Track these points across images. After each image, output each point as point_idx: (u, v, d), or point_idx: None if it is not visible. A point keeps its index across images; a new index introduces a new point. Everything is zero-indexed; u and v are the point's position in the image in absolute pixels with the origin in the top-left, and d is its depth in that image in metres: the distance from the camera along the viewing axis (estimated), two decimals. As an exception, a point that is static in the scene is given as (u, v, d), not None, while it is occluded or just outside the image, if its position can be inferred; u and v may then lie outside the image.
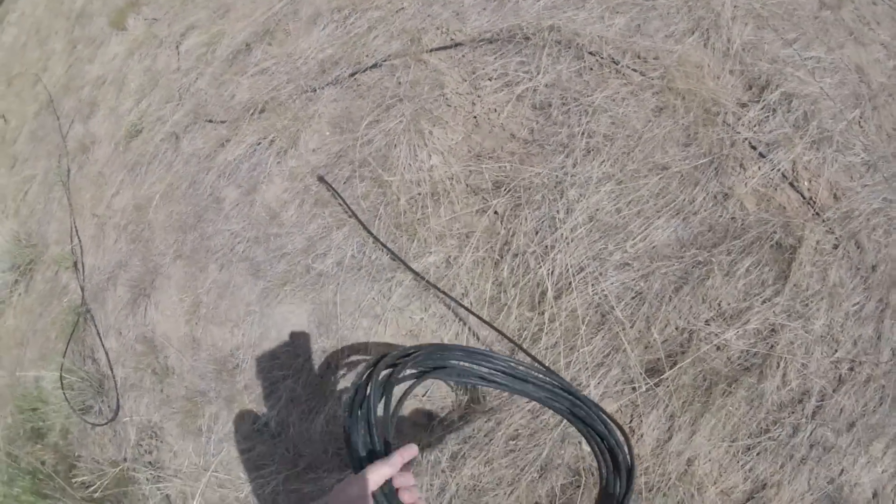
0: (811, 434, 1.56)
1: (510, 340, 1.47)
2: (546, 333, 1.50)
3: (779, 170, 1.76)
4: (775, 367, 1.54)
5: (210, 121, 2.51)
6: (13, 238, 2.76)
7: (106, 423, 2.18)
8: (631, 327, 1.49)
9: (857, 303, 1.69)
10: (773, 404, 1.54)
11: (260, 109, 2.34)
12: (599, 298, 1.53)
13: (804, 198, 1.79)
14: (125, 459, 2.13)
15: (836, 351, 1.63)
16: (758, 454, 1.50)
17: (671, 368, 1.45)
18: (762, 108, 1.86)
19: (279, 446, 1.76)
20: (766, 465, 1.50)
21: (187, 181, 2.42)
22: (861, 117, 2.05)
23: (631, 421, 1.47)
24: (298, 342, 1.84)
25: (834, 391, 1.59)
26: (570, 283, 1.54)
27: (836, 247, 1.69)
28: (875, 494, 1.67)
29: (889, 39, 2.46)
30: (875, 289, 1.69)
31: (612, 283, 1.53)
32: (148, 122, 2.67)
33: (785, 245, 1.64)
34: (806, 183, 1.82)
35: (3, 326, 2.97)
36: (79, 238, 2.69)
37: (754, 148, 1.79)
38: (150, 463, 2.06)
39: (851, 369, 1.62)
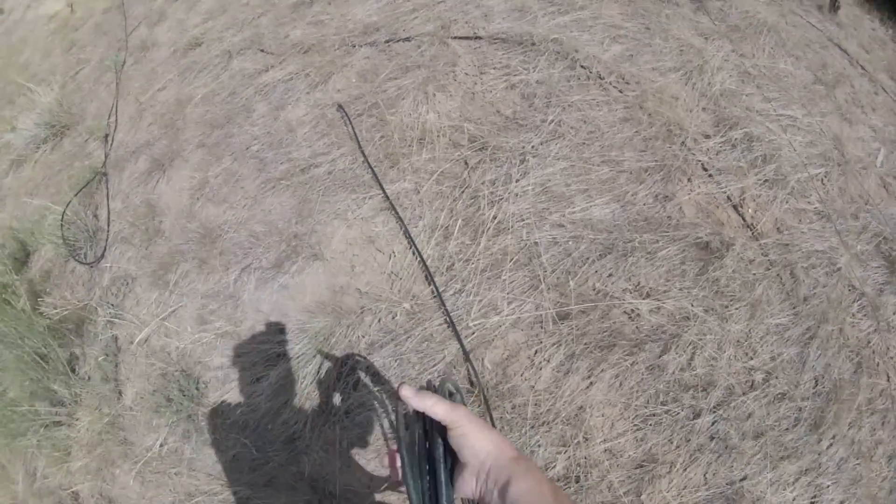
0: (712, 424, 1.76)
1: (427, 272, 1.84)
2: (477, 258, 1.87)
3: (725, 193, 2.09)
4: (683, 348, 1.78)
5: (262, 50, 2.99)
6: (55, 101, 3.18)
7: (89, 263, 2.52)
8: (552, 273, 1.85)
9: (782, 324, 1.93)
10: (676, 382, 1.76)
11: (305, 50, 2.81)
12: (530, 245, 1.90)
13: (745, 221, 2.08)
14: (92, 301, 2.44)
15: (752, 359, 1.87)
16: (651, 426, 1.71)
17: (581, 316, 1.78)
18: (723, 142, 2.22)
19: (228, 306, 2.10)
20: (659, 440, 1.71)
21: (228, 90, 2.86)
22: (826, 176, 2.37)
23: (535, 354, 1.78)
24: (276, 227, 2.21)
25: (744, 393, 1.80)
26: (509, 227, 1.92)
27: (768, 269, 1.97)
28: None
29: (881, 125, 2.83)
30: (804, 318, 1.95)
31: (544, 236, 1.91)
32: (208, 39, 3.15)
33: (713, 247, 1.94)
34: (750, 210, 2.12)
35: (18, 177, 3.35)
36: (116, 116, 3.12)
37: (706, 170, 2.16)
38: (112, 305, 2.37)
39: (766, 380, 1.85)
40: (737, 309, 1.90)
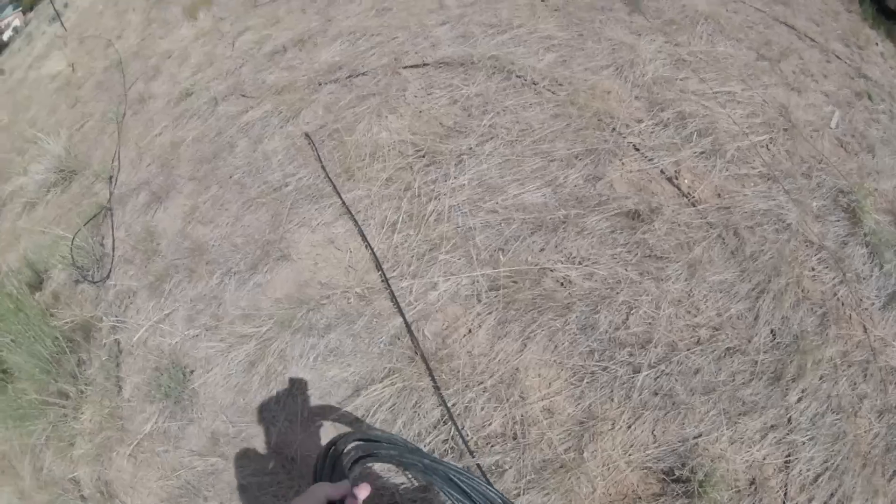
0: (655, 380, 1.86)
1: (376, 260, 2.19)
2: (418, 243, 2.21)
3: (658, 168, 2.33)
4: (617, 308, 1.95)
5: (243, 95, 3.47)
6: (63, 149, 3.67)
7: (96, 282, 2.91)
8: (484, 251, 2.17)
9: (727, 281, 2.08)
10: (611, 340, 1.90)
11: (279, 91, 3.28)
12: (465, 230, 2.24)
13: (680, 191, 2.29)
14: (98, 312, 2.81)
15: (696, 316, 2.00)
16: (588, 383, 1.88)
17: (512, 285, 2.06)
18: (655, 123, 2.49)
19: (212, 305, 2.44)
20: (598, 397, 1.84)
21: (215, 131, 3.32)
22: (770, 142, 2.57)
23: (470, 322, 2.08)
24: (253, 238, 2.58)
25: (688, 349, 1.92)
26: (446, 217, 2.27)
27: (708, 231, 2.14)
28: (753, 482, 1.82)
29: (834, 90, 3.04)
30: (753, 273, 2.09)
31: (478, 221, 2.24)
32: (197, 89, 3.65)
33: (643, 215, 2.17)
34: (686, 181, 2.34)
35: (31, 217, 3.80)
36: (119, 160, 3.59)
37: (637, 150, 2.41)
38: (116, 315, 2.73)
39: (713, 336, 1.97)
40: (673, 270, 2.09)
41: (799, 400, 1.97)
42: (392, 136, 2.66)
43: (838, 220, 2.51)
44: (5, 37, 11.22)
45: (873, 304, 2.35)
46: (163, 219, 3.03)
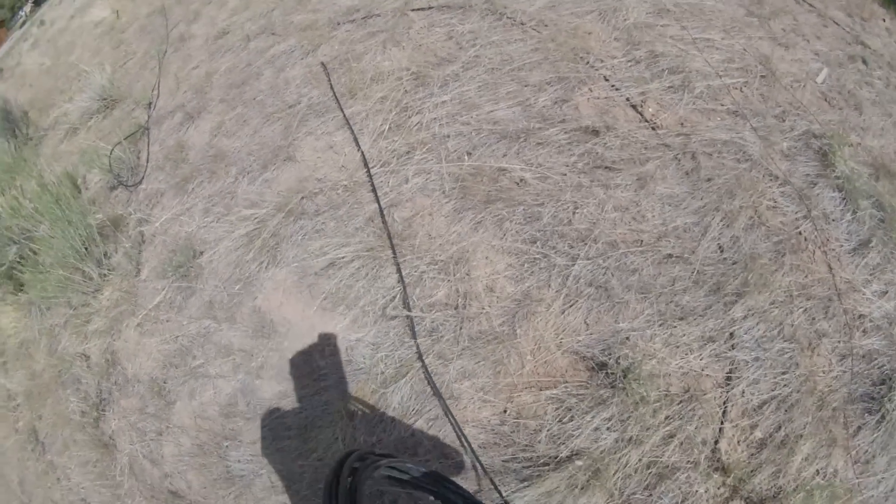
0: (592, 271, 2.13)
1: (363, 158, 2.61)
2: (399, 146, 2.63)
3: (624, 96, 2.64)
4: (564, 205, 2.26)
5: (273, 33, 3.96)
6: (108, 80, 4.25)
7: (130, 186, 3.45)
8: (453, 152, 2.57)
9: (677, 196, 2.33)
10: (555, 233, 2.25)
11: (303, 29, 3.74)
12: (440, 137, 2.64)
13: (643, 117, 2.57)
14: (129, 209, 3.34)
15: (641, 223, 2.25)
16: (528, 267, 2.23)
17: (472, 180, 2.46)
18: (628, 60, 2.80)
19: (226, 199, 2.93)
20: (536, 282, 2.17)
21: (245, 63, 3.83)
22: (745, 85, 2.75)
23: (433, 210, 2.48)
24: (267, 145, 3.05)
25: (628, 249, 2.18)
26: (425, 126, 2.67)
27: (664, 152, 2.41)
28: (688, 391, 1.93)
29: (826, 50, 3.13)
30: (705, 193, 2.33)
31: (452, 130, 2.64)
32: (233, 29, 4.18)
33: (598, 130, 2.51)
34: (650, 109, 2.61)
35: (72, 142, 4.37)
36: (159, 89, 4.14)
37: (607, 80, 2.74)
38: (143, 212, 3.26)
39: (655, 242, 2.21)
40: (622, 179, 2.37)
41: (745, 318, 2.10)
42: (393, 64, 3.08)
43: (808, 161, 2.62)
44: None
45: (842, 246, 2.45)
46: (193, 135, 3.56)
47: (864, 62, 3.34)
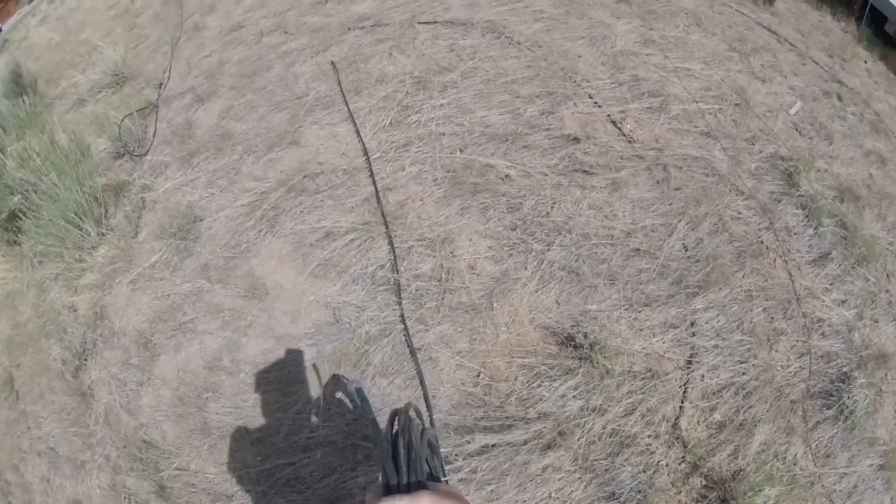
0: (565, 257, 2.38)
1: (363, 146, 2.89)
2: (398, 139, 2.91)
3: (606, 113, 3.02)
4: (544, 200, 2.56)
5: (285, 32, 4.26)
6: (121, 57, 4.46)
7: (135, 156, 3.65)
8: (446, 147, 2.86)
9: (647, 200, 2.62)
10: (535, 223, 2.53)
11: (315, 30, 4.05)
12: (436, 134, 2.93)
13: (621, 132, 2.93)
14: (133, 176, 3.53)
15: (613, 221, 2.53)
16: (504, 248, 2.51)
17: (461, 171, 2.74)
18: (612, 82, 3.20)
19: (231, 174, 3.15)
20: (514, 263, 2.43)
21: (257, 56, 4.11)
22: (719, 111, 3.08)
23: (425, 196, 2.75)
24: (273, 130, 3.30)
25: (600, 242, 2.46)
26: (423, 124, 2.97)
27: (637, 162, 2.73)
28: (650, 369, 2.07)
29: (803, 86, 3.41)
30: (674, 200, 2.62)
31: (447, 129, 2.94)
32: (247, 24, 4.47)
33: (579, 138, 2.86)
34: (628, 126, 2.96)
35: (79, 112, 4.54)
36: (170, 71, 4.37)
37: (591, 97, 3.12)
38: (147, 180, 3.45)
39: (626, 237, 2.48)
40: (598, 182, 2.69)
41: (705, 309, 2.31)
42: (397, 68, 3.39)
43: (774, 181, 2.87)
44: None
45: (803, 256, 2.67)
46: (202, 115, 3.79)
47: (839, 98, 3.62)
